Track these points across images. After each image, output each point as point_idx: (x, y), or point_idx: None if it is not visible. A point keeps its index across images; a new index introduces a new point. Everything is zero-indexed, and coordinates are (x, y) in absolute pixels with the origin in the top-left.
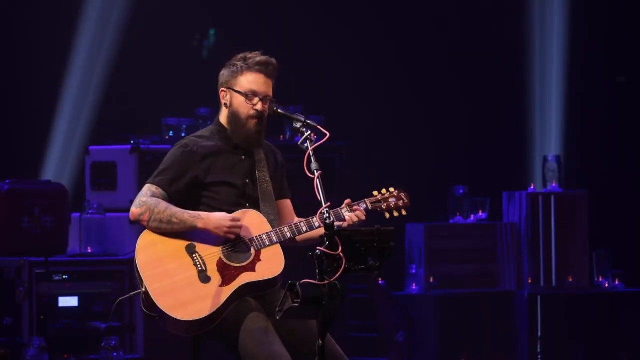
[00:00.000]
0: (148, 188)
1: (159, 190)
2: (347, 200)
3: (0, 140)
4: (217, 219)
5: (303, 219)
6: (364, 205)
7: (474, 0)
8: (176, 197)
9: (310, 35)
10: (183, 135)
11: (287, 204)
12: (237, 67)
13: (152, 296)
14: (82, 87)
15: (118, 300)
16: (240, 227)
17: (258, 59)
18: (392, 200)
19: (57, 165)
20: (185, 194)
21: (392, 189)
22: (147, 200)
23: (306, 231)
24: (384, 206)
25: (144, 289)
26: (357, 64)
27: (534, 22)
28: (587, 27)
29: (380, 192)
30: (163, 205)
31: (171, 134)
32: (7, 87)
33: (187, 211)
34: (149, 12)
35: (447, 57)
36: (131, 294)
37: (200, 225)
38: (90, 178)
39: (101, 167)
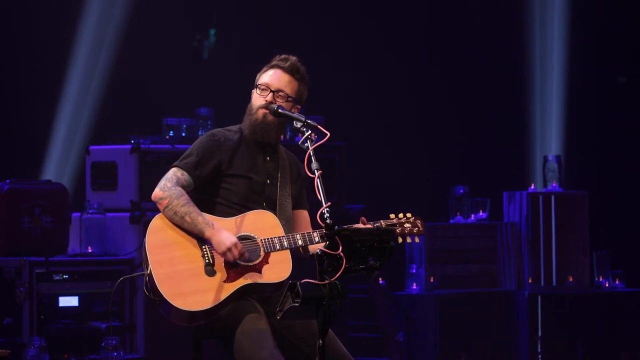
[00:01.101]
0: (174, 172)
1: (185, 175)
2: (362, 219)
3: (0, 140)
4: (223, 236)
5: (317, 230)
6: (379, 226)
7: (474, 1)
8: (199, 183)
9: (311, 36)
10: (183, 135)
11: (305, 214)
12: (265, 67)
13: (155, 281)
14: (82, 87)
15: (121, 279)
16: (238, 256)
17: (281, 56)
18: (407, 225)
19: (57, 165)
20: (207, 181)
21: (409, 215)
22: (171, 187)
23: (318, 241)
24: (398, 230)
25: (148, 272)
26: (357, 64)
27: (534, 23)
28: (587, 27)
29: (397, 216)
30: (184, 199)
31: (171, 133)
32: (7, 87)
33: (203, 215)
34: (149, 12)
35: (447, 57)
36: (134, 274)
37: (207, 233)
38: (90, 178)
39: (101, 167)
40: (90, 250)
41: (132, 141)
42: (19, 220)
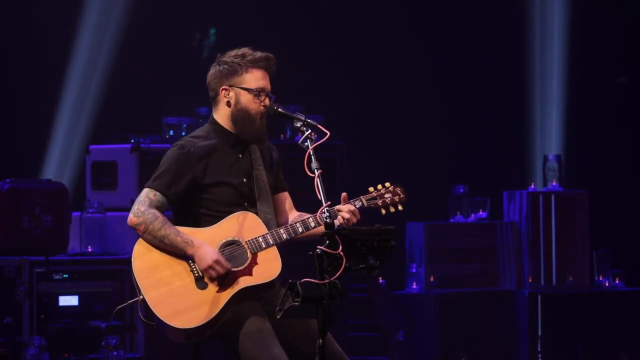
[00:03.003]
0: (146, 194)
1: (157, 196)
2: (344, 195)
3: (1, 140)
4: (203, 253)
5: (299, 219)
6: (359, 204)
7: (474, 0)
8: (175, 200)
9: (310, 35)
10: (183, 134)
11: (285, 196)
12: (239, 65)
13: (149, 304)
14: (83, 87)
15: (117, 309)
16: (221, 272)
17: (259, 55)
18: (387, 195)
19: (57, 164)
20: (184, 196)
21: (387, 184)
22: (145, 211)
23: (302, 232)
24: (379, 202)
25: (141, 297)
26: (357, 63)
27: (534, 23)
28: (587, 27)
29: (375, 188)
30: (159, 222)
31: (171, 133)
32: (7, 86)
33: (181, 234)
34: (149, 12)
35: (447, 57)
36: (129, 301)
37: (189, 252)
38: (90, 177)
39: (101, 166)
40: (90, 250)
41: (132, 140)
42: (19, 219)
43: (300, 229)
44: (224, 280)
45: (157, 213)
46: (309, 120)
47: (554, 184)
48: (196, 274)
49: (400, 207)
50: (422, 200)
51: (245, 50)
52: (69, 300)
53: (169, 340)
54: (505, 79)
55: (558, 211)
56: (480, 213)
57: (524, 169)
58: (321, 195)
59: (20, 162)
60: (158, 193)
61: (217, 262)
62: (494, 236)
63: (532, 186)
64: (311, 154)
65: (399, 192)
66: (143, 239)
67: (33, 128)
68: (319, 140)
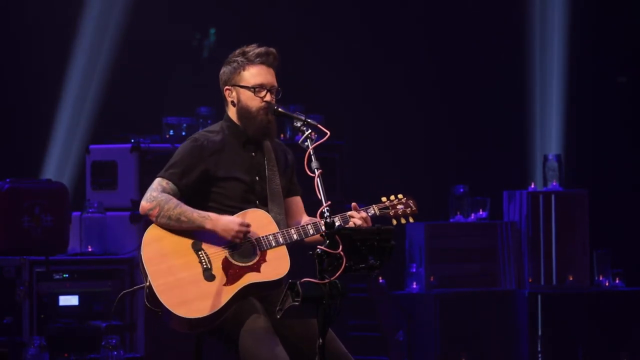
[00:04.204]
0: (159, 182)
1: (170, 185)
2: (354, 204)
3: (1, 140)
4: (225, 222)
5: (310, 222)
6: (372, 212)
7: (474, 0)
8: (186, 192)
9: (311, 35)
10: (183, 134)
11: (297, 200)
12: (238, 63)
13: (155, 292)
14: (83, 86)
15: (121, 294)
16: (247, 232)
17: (257, 50)
18: (400, 207)
19: (57, 164)
20: (195, 189)
21: (400, 196)
22: (157, 195)
23: (313, 234)
24: (391, 212)
25: (147, 284)
26: (357, 63)
27: (534, 22)
28: (587, 27)
29: (388, 199)
30: (173, 202)
31: (171, 132)
32: (7, 86)
33: (197, 211)
34: (149, 12)
35: (447, 57)
36: (135, 287)
37: (208, 226)
38: (90, 177)
39: (101, 166)
40: (90, 250)
41: (132, 140)
42: (19, 219)
43: (311, 231)
44: (232, 274)
45: (170, 195)
46: (309, 120)
47: (554, 183)
48: (204, 265)
49: (411, 219)
50: (422, 200)
51: (246, 47)
52: (69, 300)
53: (169, 332)
54: (505, 79)
55: (558, 211)
56: (480, 213)
57: (524, 169)
58: (321, 195)
59: (20, 162)
60: (170, 182)
61: (241, 224)
62: (494, 236)
63: (532, 186)
64: (311, 153)
65: (411, 204)
66: (157, 224)
67: (33, 128)
68: (319, 140)
